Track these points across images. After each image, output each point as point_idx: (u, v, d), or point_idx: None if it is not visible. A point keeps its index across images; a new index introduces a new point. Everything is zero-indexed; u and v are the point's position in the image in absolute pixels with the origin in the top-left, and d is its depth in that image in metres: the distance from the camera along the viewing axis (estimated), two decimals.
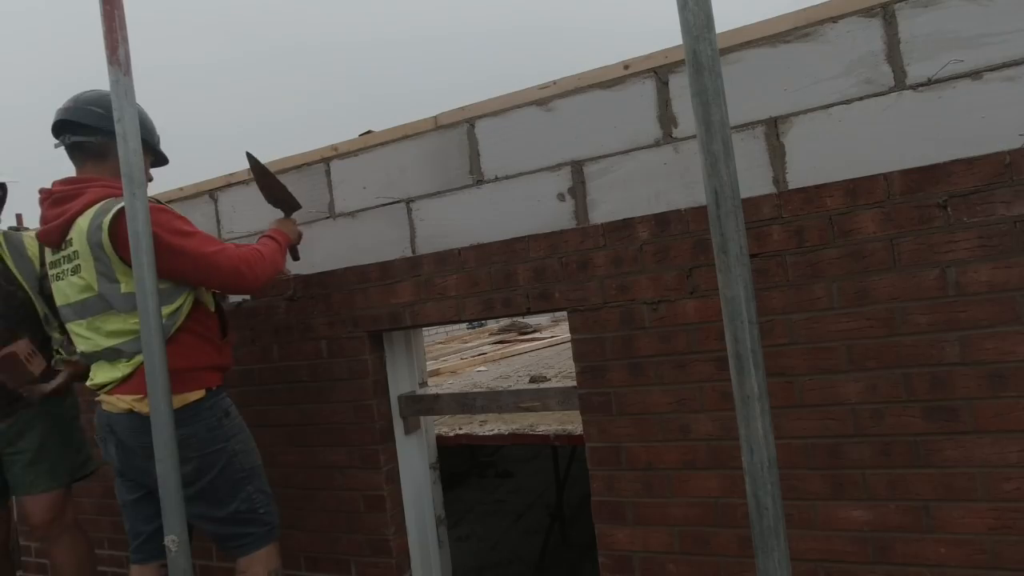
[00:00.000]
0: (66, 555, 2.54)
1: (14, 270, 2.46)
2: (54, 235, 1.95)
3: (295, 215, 2.40)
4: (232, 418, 2.04)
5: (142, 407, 1.86)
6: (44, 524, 2.49)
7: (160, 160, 2.19)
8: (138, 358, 1.87)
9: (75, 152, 2.01)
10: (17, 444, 2.44)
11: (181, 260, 1.88)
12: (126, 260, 1.81)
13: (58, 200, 1.96)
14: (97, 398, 2.00)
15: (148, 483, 1.95)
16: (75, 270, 1.92)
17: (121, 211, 1.79)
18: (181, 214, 1.99)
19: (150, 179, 2.17)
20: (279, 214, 2.39)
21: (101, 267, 1.87)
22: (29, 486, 2.45)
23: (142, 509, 2.05)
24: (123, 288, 1.86)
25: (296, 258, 2.43)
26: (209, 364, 2.00)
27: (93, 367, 2.02)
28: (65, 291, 1.98)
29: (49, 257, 2.04)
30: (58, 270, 1.99)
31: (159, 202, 1.97)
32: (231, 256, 1.96)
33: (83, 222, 1.87)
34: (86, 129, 1.96)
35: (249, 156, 2.37)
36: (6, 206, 2.61)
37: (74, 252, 1.91)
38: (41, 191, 2.02)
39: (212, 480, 1.96)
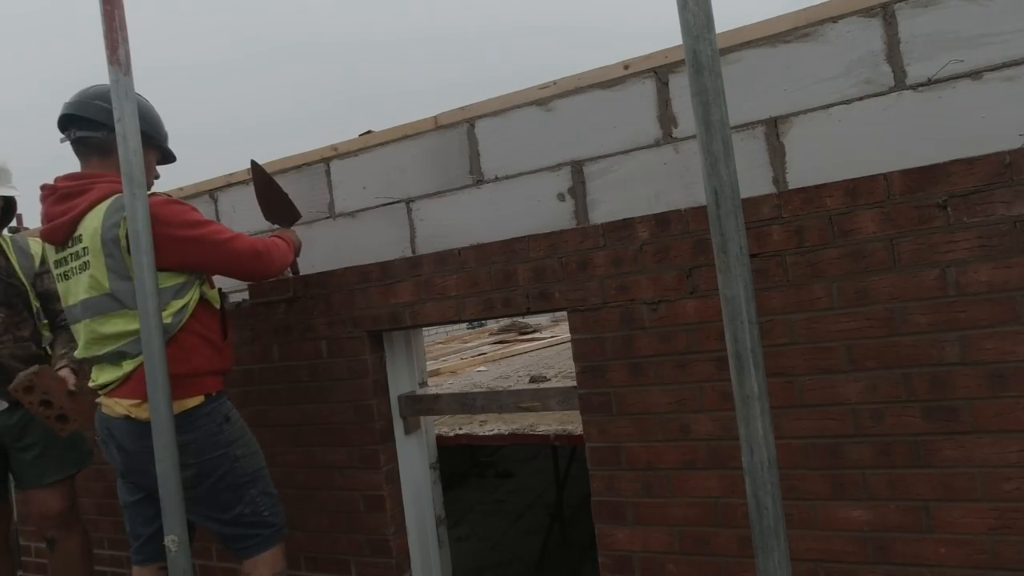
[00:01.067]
0: (77, 543, 2.60)
1: (16, 265, 2.55)
2: (59, 232, 1.92)
3: (295, 226, 2.41)
4: (233, 423, 2.02)
5: (139, 413, 1.86)
6: (59, 513, 2.54)
7: (168, 157, 2.18)
8: (141, 357, 1.85)
9: (80, 147, 1.98)
10: (24, 439, 2.48)
11: (199, 250, 1.90)
12: None
13: (63, 197, 1.93)
14: (97, 399, 2.00)
15: (149, 485, 1.94)
16: (83, 267, 1.89)
17: None
18: (192, 205, 1.99)
19: (157, 176, 2.16)
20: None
21: (113, 263, 1.85)
22: (41, 477, 2.50)
23: (143, 510, 2.05)
24: None
25: (296, 272, 2.43)
26: (209, 368, 1.98)
27: (95, 368, 2.01)
28: (73, 290, 1.95)
29: (53, 256, 2.00)
30: (65, 268, 1.96)
31: (169, 196, 1.96)
32: (248, 241, 2.01)
33: (94, 218, 1.85)
34: (91, 124, 1.94)
35: (253, 164, 2.37)
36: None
37: (83, 249, 1.88)
38: (43, 187, 1.99)
39: (213, 485, 1.95)
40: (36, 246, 2.62)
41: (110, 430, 1.96)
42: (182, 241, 1.86)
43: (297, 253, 2.35)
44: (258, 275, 2.12)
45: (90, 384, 2.03)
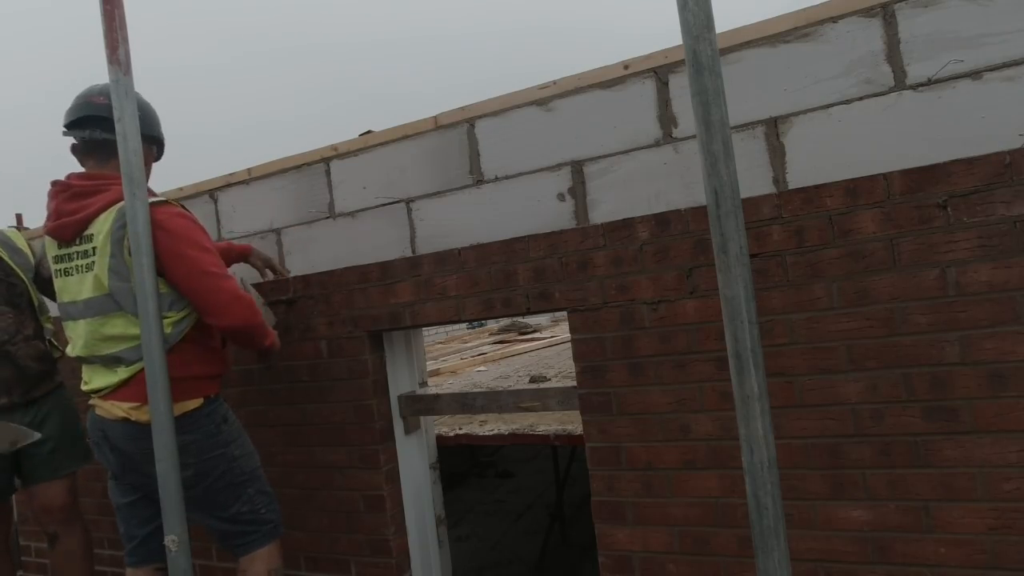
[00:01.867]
0: (78, 540, 2.61)
1: (11, 263, 2.53)
2: (68, 230, 1.91)
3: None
4: (230, 424, 2.03)
5: (139, 415, 1.85)
6: (63, 507, 2.55)
7: (160, 153, 2.16)
8: (138, 364, 1.85)
9: (100, 149, 1.96)
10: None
11: (189, 270, 1.85)
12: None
13: (76, 195, 1.92)
14: (90, 402, 1.98)
15: (146, 486, 1.94)
16: (90, 267, 1.88)
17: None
18: (203, 228, 1.98)
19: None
20: (276, 215, 2.39)
21: (115, 264, 1.84)
22: (55, 470, 2.51)
23: (137, 512, 2.05)
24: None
25: (268, 357, 2.36)
26: (207, 373, 1.99)
27: (86, 369, 2.00)
28: (73, 287, 1.94)
29: (54, 251, 1.99)
30: (67, 265, 1.95)
31: (183, 209, 1.94)
32: (234, 287, 1.92)
33: (107, 220, 1.85)
34: None
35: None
36: None
37: (92, 249, 1.87)
38: (55, 183, 1.97)
39: (212, 484, 1.96)
40: (22, 240, 2.62)
41: (104, 432, 1.95)
42: (180, 257, 1.84)
43: (270, 351, 2.18)
44: (229, 319, 1.90)
45: (82, 387, 2.01)
